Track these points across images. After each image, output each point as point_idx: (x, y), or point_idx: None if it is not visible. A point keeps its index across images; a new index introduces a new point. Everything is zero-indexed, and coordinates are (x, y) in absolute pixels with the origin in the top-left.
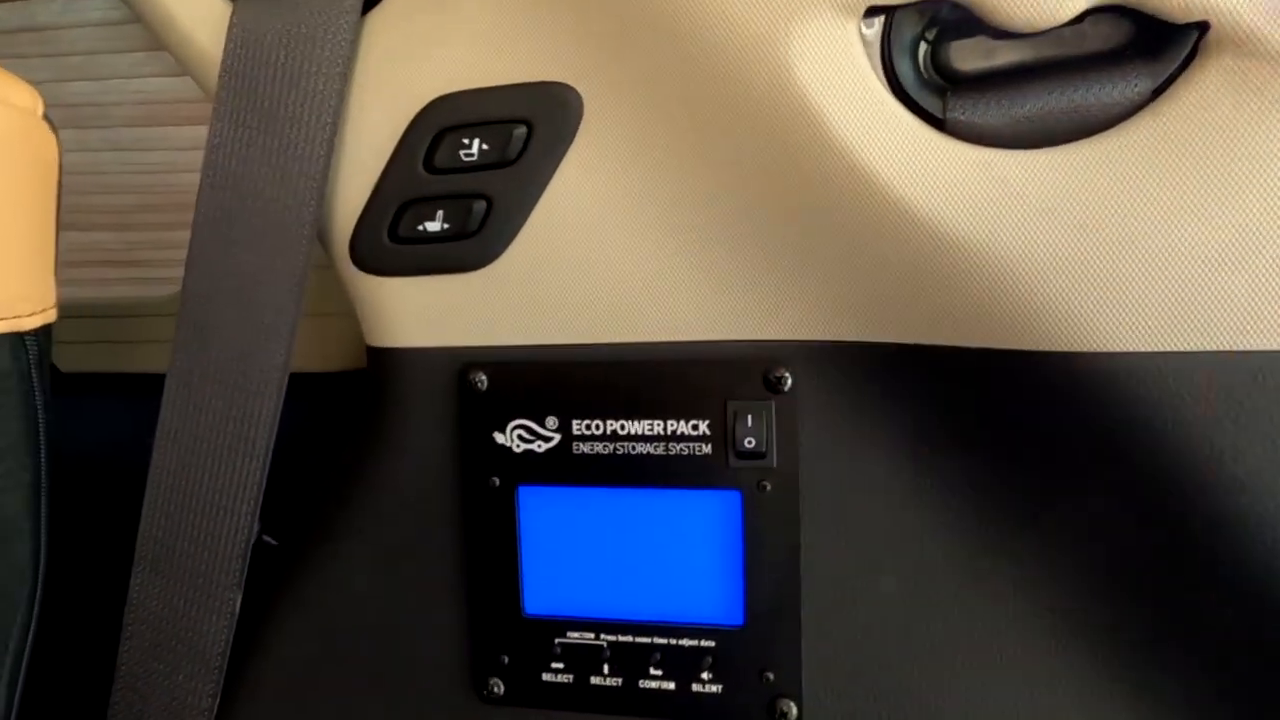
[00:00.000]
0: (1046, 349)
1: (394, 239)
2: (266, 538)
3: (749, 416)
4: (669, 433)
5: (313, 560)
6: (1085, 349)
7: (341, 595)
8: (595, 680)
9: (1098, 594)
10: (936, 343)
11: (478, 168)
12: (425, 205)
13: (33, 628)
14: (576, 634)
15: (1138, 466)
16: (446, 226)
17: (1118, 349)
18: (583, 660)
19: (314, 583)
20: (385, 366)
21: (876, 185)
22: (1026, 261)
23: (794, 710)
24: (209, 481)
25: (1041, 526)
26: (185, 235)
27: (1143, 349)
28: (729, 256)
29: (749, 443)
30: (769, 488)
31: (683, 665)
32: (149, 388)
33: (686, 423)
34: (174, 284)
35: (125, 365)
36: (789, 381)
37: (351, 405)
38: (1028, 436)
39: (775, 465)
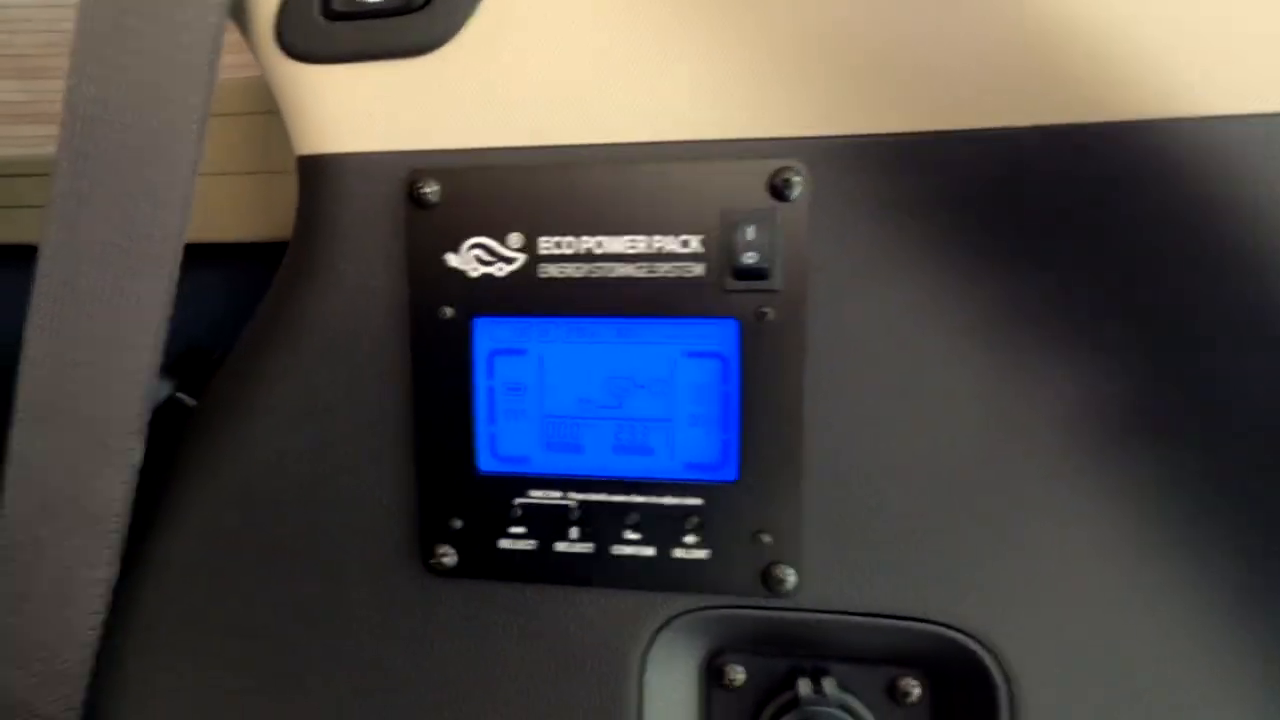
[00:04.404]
0: (1132, 117)
1: (328, 15)
2: (181, 395)
3: (750, 229)
4: (654, 251)
5: (230, 411)
6: (1181, 114)
7: (264, 452)
8: (561, 546)
9: (1160, 426)
10: (980, 126)
11: None
12: None
13: None
14: (540, 493)
15: (1243, 253)
16: None
17: (1218, 111)
18: (547, 523)
19: (231, 437)
20: (317, 178)
21: None
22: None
23: (792, 577)
24: (101, 311)
25: (1101, 343)
26: None
27: (1249, 110)
28: (729, 34)
29: (749, 259)
30: (771, 315)
31: (664, 528)
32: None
33: (675, 238)
34: None
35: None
36: (798, 186)
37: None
38: (1100, 230)
39: (780, 287)
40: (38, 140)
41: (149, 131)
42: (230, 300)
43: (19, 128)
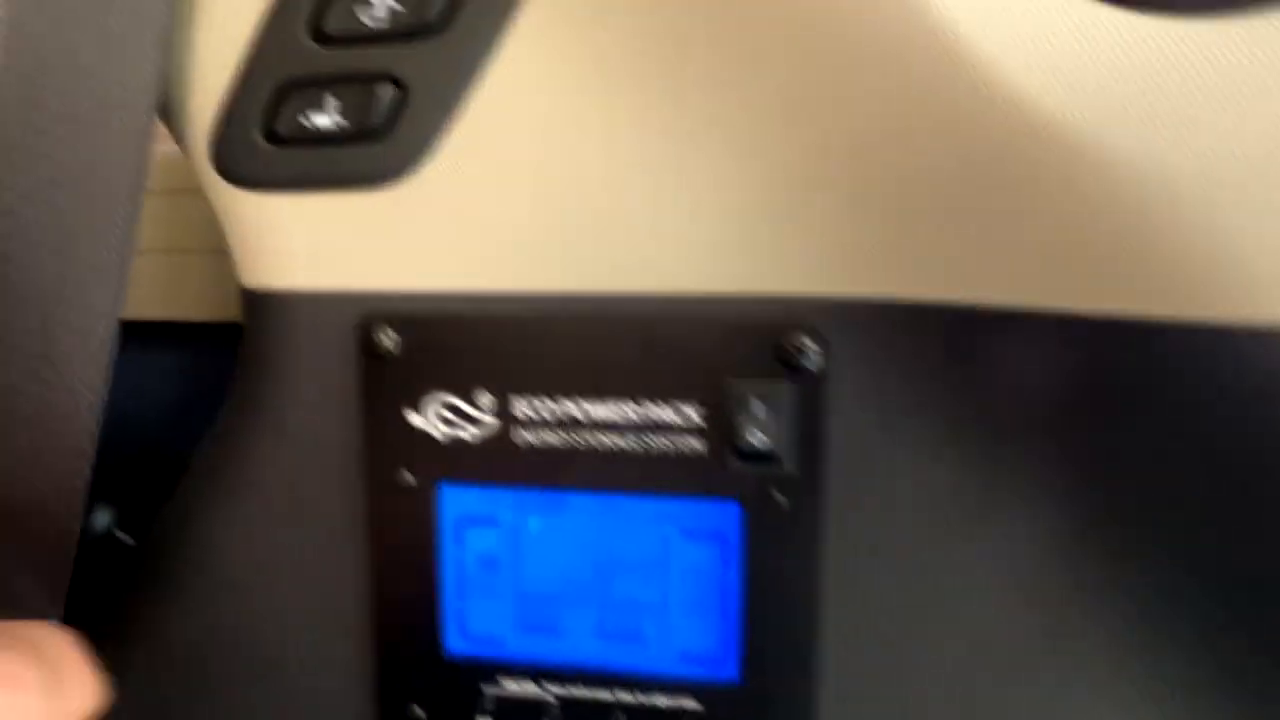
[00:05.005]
0: (1221, 319)
1: (271, 138)
2: (120, 534)
3: (755, 402)
4: (645, 420)
5: (168, 577)
6: (1236, 320)
7: (206, 623)
8: None
9: (1234, 669)
10: (1035, 306)
11: (386, 36)
12: (313, 90)
13: None
14: (514, 684)
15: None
16: (343, 122)
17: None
18: (521, 718)
19: (170, 605)
20: (262, 316)
21: (974, 65)
22: (1196, 186)
23: None
24: (6, 447)
25: (1169, 569)
26: None
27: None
28: (735, 172)
29: (755, 438)
30: (780, 500)
31: None
32: None
33: (669, 406)
34: None
35: None
36: (813, 354)
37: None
38: (1168, 438)
39: (789, 470)
40: None
41: (62, 274)
42: (212, 384)
43: None
